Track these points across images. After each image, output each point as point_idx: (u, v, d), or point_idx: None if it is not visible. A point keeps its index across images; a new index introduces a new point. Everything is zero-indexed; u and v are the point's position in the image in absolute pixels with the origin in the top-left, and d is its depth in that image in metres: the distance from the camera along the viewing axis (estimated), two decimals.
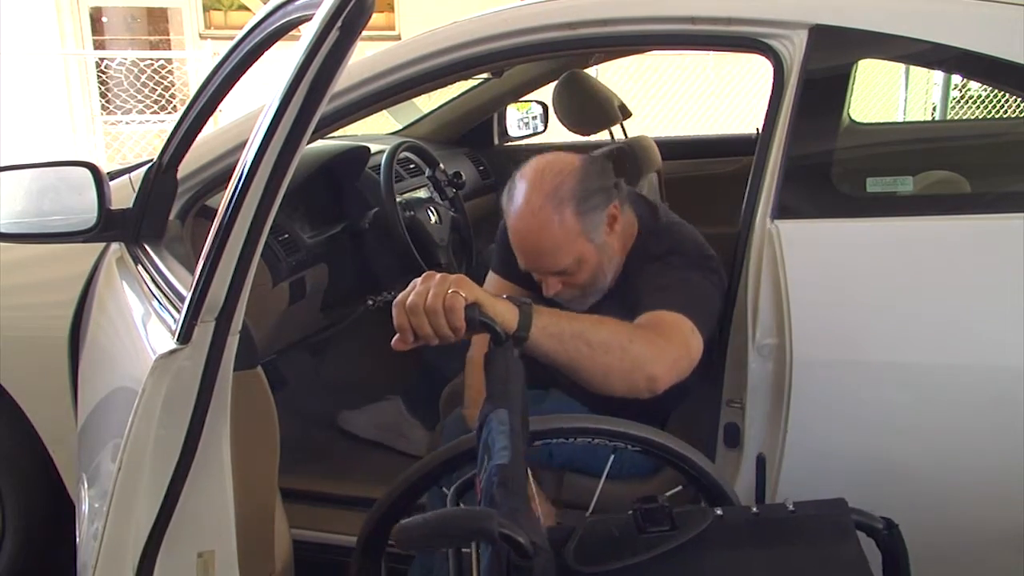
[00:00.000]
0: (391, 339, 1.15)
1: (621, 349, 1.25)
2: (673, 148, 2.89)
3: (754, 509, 1.04)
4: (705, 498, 1.23)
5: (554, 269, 1.48)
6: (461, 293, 1.13)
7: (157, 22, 9.03)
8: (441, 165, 2.50)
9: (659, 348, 1.28)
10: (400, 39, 2.97)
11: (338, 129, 1.72)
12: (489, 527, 0.76)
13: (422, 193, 2.46)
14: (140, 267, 1.44)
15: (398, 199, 2.24)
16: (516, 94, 2.90)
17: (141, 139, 7.58)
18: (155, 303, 1.26)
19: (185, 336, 1.00)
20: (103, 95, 8.05)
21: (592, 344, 1.22)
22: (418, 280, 1.16)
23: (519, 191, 1.45)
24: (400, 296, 1.15)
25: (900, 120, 7.62)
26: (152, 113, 7.60)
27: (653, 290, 1.41)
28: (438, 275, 1.17)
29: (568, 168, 1.45)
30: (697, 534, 0.98)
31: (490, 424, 0.94)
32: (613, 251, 1.51)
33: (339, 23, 0.87)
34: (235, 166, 0.97)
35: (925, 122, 6.87)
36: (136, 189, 1.56)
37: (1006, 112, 7.35)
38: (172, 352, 1.01)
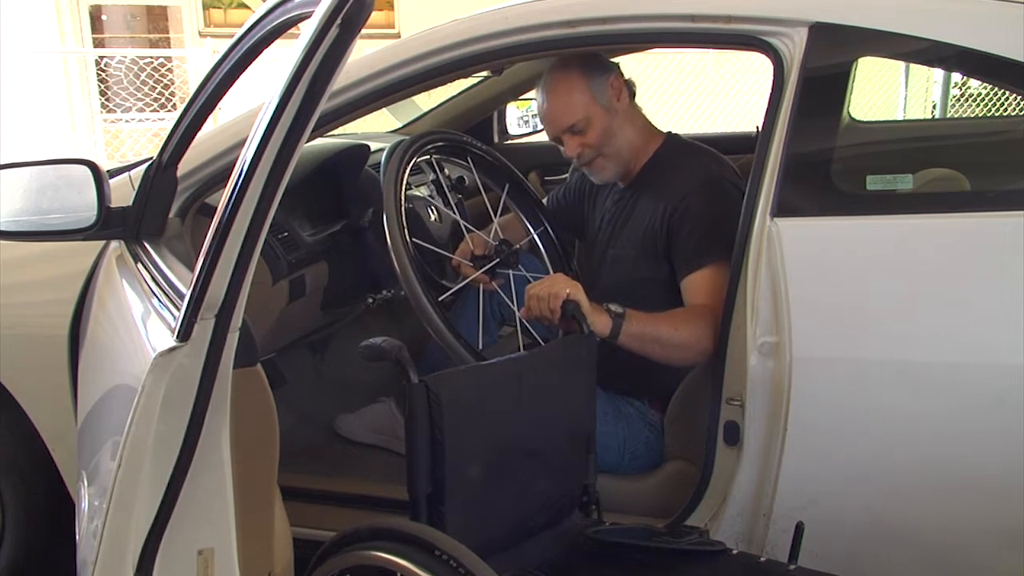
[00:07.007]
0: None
1: (685, 346, 1.56)
2: None
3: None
4: None
5: (567, 123, 1.77)
6: (567, 290, 1.49)
7: (157, 20, 9.01)
8: (446, 170, 2.49)
9: (710, 327, 1.54)
10: (400, 37, 2.96)
11: (338, 127, 1.73)
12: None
13: (422, 191, 2.46)
14: (140, 265, 1.44)
15: None
16: (516, 92, 2.89)
17: (141, 137, 7.57)
18: (155, 301, 1.26)
19: (185, 333, 1.00)
20: (103, 93, 8.02)
21: (663, 344, 1.58)
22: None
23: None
24: (534, 283, 1.56)
25: (900, 118, 7.61)
26: (152, 111, 7.58)
27: (686, 252, 1.67)
28: (562, 275, 1.61)
29: (574, 55, 1.75)
30: None
31: None
32: (623, 120, 1.78)
33: (338, 21, 0.86)
34: (235, 164, 0.97)
35: (925, 120, 6.87)
36: (136, 187, 1.56)
37: (1006, 110, 7.34)
38: (172, 349, 1.01)
